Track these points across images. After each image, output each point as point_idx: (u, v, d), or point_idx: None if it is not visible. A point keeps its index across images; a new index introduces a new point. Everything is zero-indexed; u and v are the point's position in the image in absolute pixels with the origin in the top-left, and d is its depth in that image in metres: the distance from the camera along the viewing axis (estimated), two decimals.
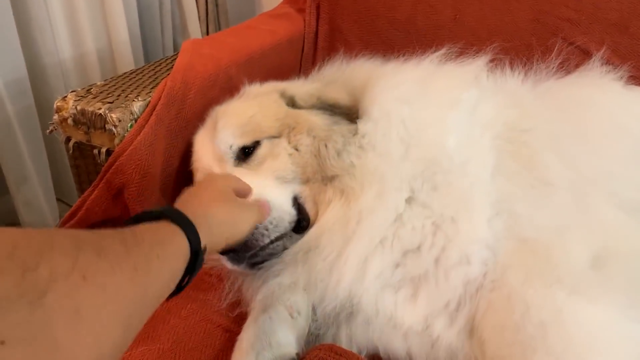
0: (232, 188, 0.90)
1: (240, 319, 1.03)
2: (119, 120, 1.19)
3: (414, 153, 0.99)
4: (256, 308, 0.97)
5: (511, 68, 1.23)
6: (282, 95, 1.13)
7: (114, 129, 1.19)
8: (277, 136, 1.06)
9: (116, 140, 1.20)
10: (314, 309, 0.98)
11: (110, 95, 1.28)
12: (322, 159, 1.02)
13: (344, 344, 0.94)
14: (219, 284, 1.14)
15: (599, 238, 0.89)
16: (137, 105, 1.23)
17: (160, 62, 1.57)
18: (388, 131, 1.01)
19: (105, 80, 1.37)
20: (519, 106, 1.08)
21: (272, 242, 0.99)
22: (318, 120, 1.06)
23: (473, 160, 0.98)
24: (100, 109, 1.21)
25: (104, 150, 1.22)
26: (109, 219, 1.26)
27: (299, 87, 1.17)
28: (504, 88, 1.17)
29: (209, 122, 1.19)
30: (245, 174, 1.02)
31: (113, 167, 1.16)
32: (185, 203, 0.80)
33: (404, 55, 1.24)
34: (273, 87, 1.18)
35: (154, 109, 1.21)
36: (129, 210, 1.23)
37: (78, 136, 1.26)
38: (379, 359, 0.95)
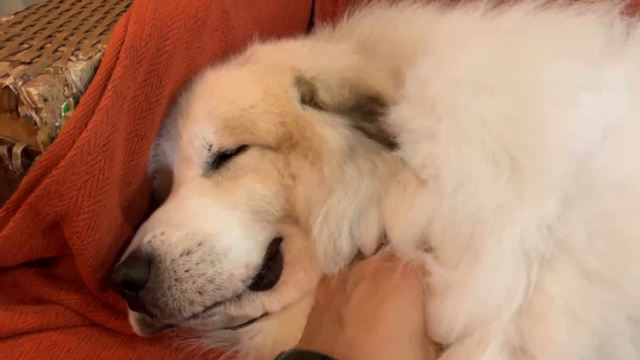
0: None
1: None
2: (45, 100, 0.65)
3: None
4: None
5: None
6: (298, 80, 0.78)
7: (34, 115, 0.65)
8: (273, 148, 0.75)
9: (41, 136, 0.66)
10: None
11: (22, 46, 0.70)
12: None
13: None
14: None
15: None
16: (76, 71, 0.68)
17: None
18: (462, 146, 0.64)
19: (9, 16, 0.78)
20: None
21: (206, 309, 0.70)
22: (332, 139, 0.72)
23: None
24: (6, 75, 0.65)
25: (18, 150, 0.68)
26: (36, 260, 0.75)
27: (327, 62, 0.79)
28: None
29: (182, 97, 0.81)
30: (208, 192, 0.74)
31: (41, 187, 0.64)
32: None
33: None
34: (289, 60, 0.81)
35: (108, 76, 0.67)
36: (69, 248, 0.72)
37: None
38: None
